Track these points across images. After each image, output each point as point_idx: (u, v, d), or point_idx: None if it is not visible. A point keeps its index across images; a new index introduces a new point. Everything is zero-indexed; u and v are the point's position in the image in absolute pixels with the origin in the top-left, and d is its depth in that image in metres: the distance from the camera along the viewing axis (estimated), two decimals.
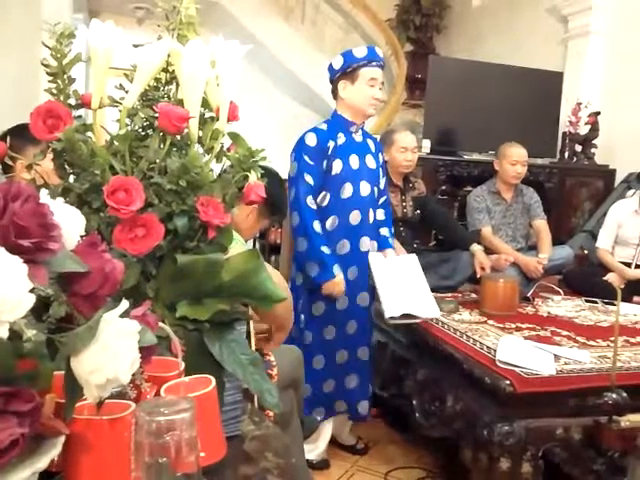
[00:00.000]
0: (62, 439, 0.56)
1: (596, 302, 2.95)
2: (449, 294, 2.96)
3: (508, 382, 1.79)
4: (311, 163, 2.28)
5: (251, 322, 1.27)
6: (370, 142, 2.47)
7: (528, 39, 4.84)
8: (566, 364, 1.98)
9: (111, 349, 0.53)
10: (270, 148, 0.95)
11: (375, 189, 2.42)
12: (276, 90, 5.83)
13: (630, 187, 3.87)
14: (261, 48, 5.11)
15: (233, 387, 0.90)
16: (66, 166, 0.81)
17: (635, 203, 3.32)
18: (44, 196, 0.58)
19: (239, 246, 1.05)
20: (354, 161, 2.34)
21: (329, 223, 2.32)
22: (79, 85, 0.86)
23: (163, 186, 0.79)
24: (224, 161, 0.88)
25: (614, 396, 1.74)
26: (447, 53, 5.97)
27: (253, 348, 1.22)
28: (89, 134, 0.83)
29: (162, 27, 0.88)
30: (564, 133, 4.24)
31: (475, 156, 4.12)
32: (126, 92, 0.85)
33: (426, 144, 3.95)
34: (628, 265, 3.23)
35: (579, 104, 4.15)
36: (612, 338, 1.95)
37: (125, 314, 0.56)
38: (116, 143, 0.81)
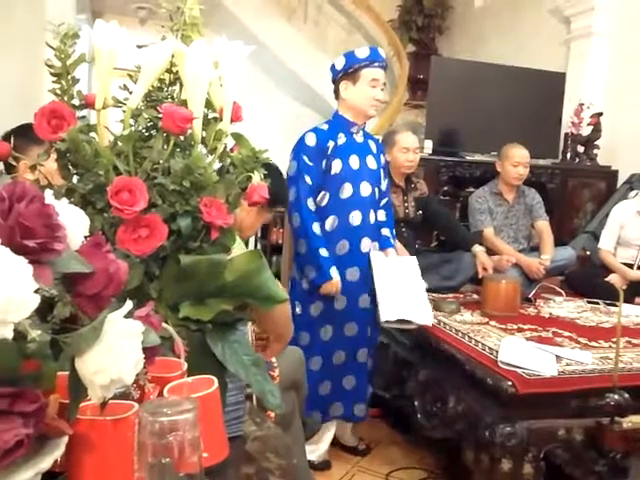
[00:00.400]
0: (65, 439, 0.56)
1: (598, 303, 2.95)
2: (451, 295, 2.96)
3: (510, 383, 1.79)
4: (310, 163, 2.29)
5: (249, 326, 1.27)
6: (371, 143, 2.46)
7: (530, 40, 4.84)
8: (568, 365, 1.97)
9: (115, 350, 0.53)
10: (272, 148, 0.95)
11: (376, 190, 2.41)
12: (278, 90, 5.83)
13: (632, 188, 3.86)
14: (263, 49, 5.11)
15: (235, 388, 0.91)
16: (70, 166, 0.81)
17: (637, 204, 3.32)
18: (49, 197, 0.58)
19: (238, 246, 1.06)
20: (354, 161, 2.34)
21: (329, 223, 2.32)
22: (82, 86, 0.87)
23: (167, 187, 0.79)
24: (217, 157, 0.88)
25: (616, 397, 1.74)
26: (449, 54, 5.96)
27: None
28: (93, 134, 0.83)
29: (166, 28, 0.88)
30: (566, 134, 4.24)
31: (477, 157, 4.11)
32: (130, 93, 0.85)
33: (428, 145, 3.95)
34: (630, 266, 3.23)
35: (581, 105, 4.14)
36: (614, 339, 1.95)
37: (129, 315, 0.56)
38: (120, 144, 0.81)
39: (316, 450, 2.43)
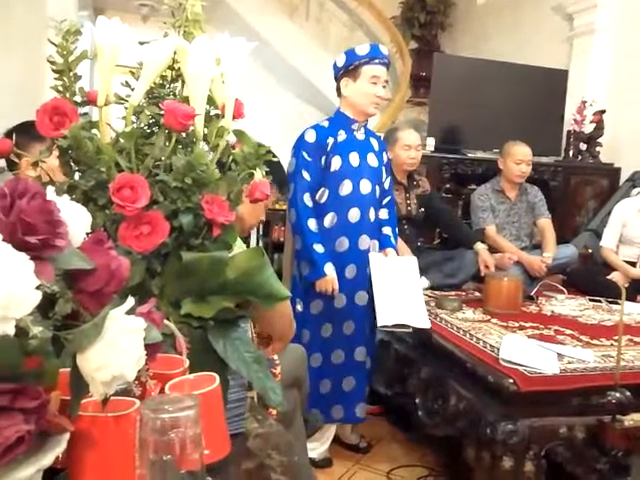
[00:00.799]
0: (67, 436, 0.56)
1: (600, 301, 2.95)
2: (453, 292, 2.96)
3: (511, 381, 1.79)
4: (309, 160, 2.29)
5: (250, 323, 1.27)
6: (373, 140, 2.46)
7: (533, 37, 4.83)
8: (570, 363, 1.97)
9: (117, 346, 0.53)
10: (274, 145, 0.95)
11: (377, 188, 2.41)
12: (280, 87, 5.82)
13: (635, 186, 3.86)
14: (265, 45, 5.11)
15: (237, 385, 0.91)
16: (72, 163, 0.81)
17: None
18: (51, 193, 0.58)
19: (238, 245, 1.05)
20: (354, 158, 2.34)
21: (328, 220, 2.32)
22: (84, 82, 0.86)
23: (168, 183, 0.79)
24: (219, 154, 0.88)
25: (618, 395, 1.73)
26: (452, 51, 5.95)
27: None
28: (95, 131, 0.83)
29: (168, 24, 0.88)
30: (569, 131, 4.23)
31: (479, 154, 4.11)
32: (132, 89, 0.85)
33: (430, 142, 3.95)
34: (632, 264, 3.23)
35: (584, 102, 4.13)
36: (616, 337, 1.95)
37: (131, 311, 0.56)
38: (122, 140, 0.81)
39: (317, 448, 2.44)
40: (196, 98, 0.84)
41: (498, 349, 2.01)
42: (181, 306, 0.82)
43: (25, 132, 1.27)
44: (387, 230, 2.48)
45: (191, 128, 0.83)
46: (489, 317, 2.54)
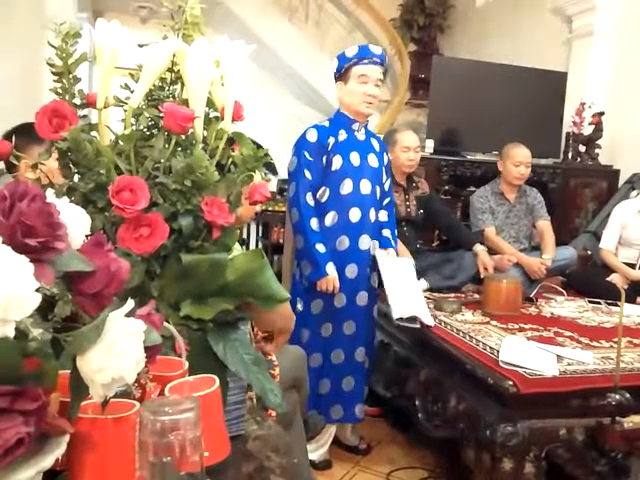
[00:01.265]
0: (67, 438, 0.56)
1: (599, 303, 2.95)
2: (452, 294, 2.96)
3: (511, 383, 1.79)
4: (310, 159, 2.29)
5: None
6: (374, 141, 2.46)
7: (532, 39, 4.83)
8: (569, 365, 1.97)
9: (117, 348, 0.53)
10: (273, 147, 0.95)
11: (377, 188, 2.41)
12: (279, 90, 5.83)
13: (634, 188, 3.86)
14: (264, 48, 5.11)
15: (237, 387, 0.90)
16: (71, 165, 0.81)
17: (639, 204, 3.31)
18: (50, 196, 0.58)
19: (235, 248, 1.05)
20: (355, 158, 2.34)
21: (329, 219, 2.32)
22: (83, 85, 0.87)
23: (168, 186, 0.79)
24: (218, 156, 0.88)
25: (617, 397, 1.73)
26: (451, 53, 5.96)
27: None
28: (94, 134, 0.83)
29: (167, 27, 0.88)
30: (568, 133, 4.23)
31: (479, 156, 4.11)
32: (131, 92, 0.85)
33: (429, 144, 3.95)
34: (632, 266, 3.23)
35: (583, 104, 4.14)
36: (615, 339, 1.95)
37: (130, 313, 0.56)
38: (121, 143, 0.81)
39: (317, 449, 2.44)
40: (195, 100, 0.84)
41: (498, 351, 2.01)
42: (180, 308, 0.82)
43: (24, 134, 1.27)
44: (387, 232, 2.48)
45: (190, 130, 0.83)
46: (488, 319, 2.54)
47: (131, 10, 5.43)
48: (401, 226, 2.85)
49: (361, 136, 2.40)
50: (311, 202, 2.29)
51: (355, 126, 2.38)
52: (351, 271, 2.34)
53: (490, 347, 2.10)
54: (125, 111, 0.84)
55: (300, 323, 2.32)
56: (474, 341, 2.18)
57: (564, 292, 3.13)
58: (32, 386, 0.49)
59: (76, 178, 0.82)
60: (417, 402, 2.22)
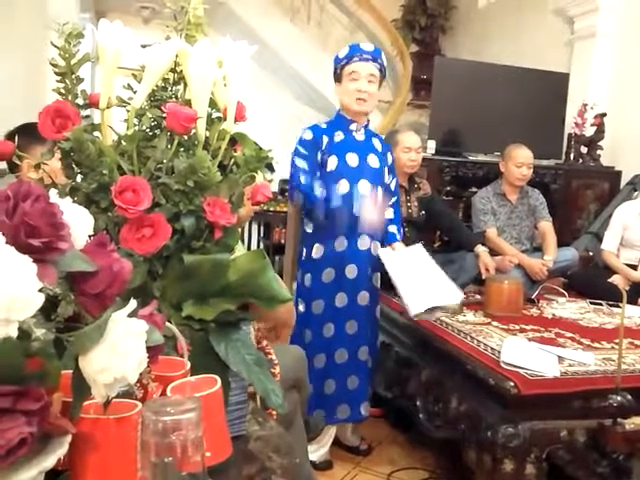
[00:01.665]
0: (69, 438, 0.56)
1: (601, 304, 2.94)
2: None
3: (512, 384, 1.79)
4: (305, 152, 2.31)
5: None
6: (376, 142, 2.46)
7: (534, 40, 4.83)
8: (570, 366, 1.97)
9: (119, 348, 0.53)
10: (274, 148, 0.95)
11: (378, 189, 2.40)
12: (280, 90, 5.83)
13: (636, 189, 3.86)
14: (266, 48, 5.11)
15: (238, 387, 0.90)
16: (74, 166, 0.81)
17: None
18: (53, 196, 0.58)
19: (238, 248, 1.06)
20: (352, 159, 2.34)
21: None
22: (85, 85, 0.87)
23: (170, 186, 0.79)
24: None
25: (619, 398, 1.73)
26: (452, 54, 5.96)
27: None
28: (97, 134, 0.83)
29: (170, 27, 0.89)
30: (570, 134, 4.23)
31: (480, 157, 4.11)
32: (134, 92, 0.85)
33: (431, 145, 3.95)
34: (633, 267, 3.22)
35: (585, 105, 4.13)
36: (617, 340, 1.95)
37: (132, 314, 0.56)
38: (124, 143, 0.81)
39: (318, 450, 2.43)
40: (198, 101, 0.84)
41: (499, 352, 2.01)
42: (182, 308, 0.82)
43: (27, 134, 1.27)
44: (393, 228, 2.48)
45: (193, 131, 0.83)
46: (490, 320, 2.54)
47: (133, 10, 5.44)
48: (402, 227, 2.85)
49: (360, 136, 2.40)
50: (308, 181, 2.28)
51: (353, 126, 2.38)
52: (351, 271, 2.34)
53: (491, 348, 2.09)
54: (128, 111, 0.84)
55: (302, 324, 2.32)
56: (475, 342, 2.18)
57: (565, 293, 3.12)
58: (35, 386, 0.49)
59: (79, 178, 0.82)
60: (418, 403, 2.22)
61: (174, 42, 0.84)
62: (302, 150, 2.31)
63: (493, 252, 3.15)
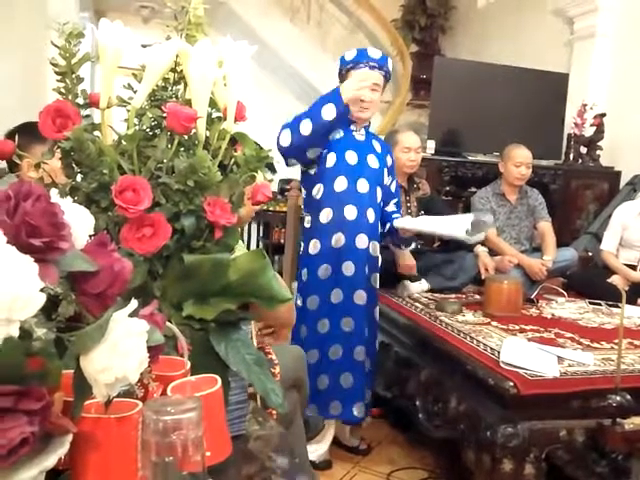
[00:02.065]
0: (70, 437, 0.56)
1: (600, 304, 2.95)
2: (453, 295, 2.96)
3: (512, 384, 1.79)
4: None
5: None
6: (376, 143, 2.46)
7: (533, 40, 4.83)
8: (570, 366, 1.97)
9: (120, 348, 0.53)
10: (273, 147, 0.96)
11: (377, 189, 2.40)
12: (280, 90, 5.83)
13: (635, 189, 3.86)
14: (266, 48, 5.12)
15: (238, 387, 0.91)
16: (74, 165, 0.81)
17: None
18: (54, 195, 0.58)
19: (239, 247, 1.06)
20: (351, 157, 2.34)
21: (324, 215, 2.32)
22: (85, 84, 0.87)
23: (171, 186, 0.79)
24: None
25: (618, 399, 1.73)
26: (452, 54, 5.96)
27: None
28: (97, 133, 0.83)
29: (170, 27, 0.89)
30: (569, 135, 4.24)
31: (480, 157, 4.11)
32: (134, 92, 0.85)
33: (431, 145, 3.95)
34: (633, 267, 3.23)
35: (584, 106, 4.14)
36: (616, 340, 1.95)
37: (133, 313, 0.56)
38: (124, 143, 0.81)
39: (317, 450, 2.43)
40: (198, 101, 0.84)
41: (498, 352, 2.01)
42: (183, 308, 0.82)
43: (27, 133, 1.27)
44: (396, 215, 2.49)
45: (193, 131, 0.83)
46: (489, 320, 2.54)
47: (133, 10, 5.44)
48: None
49: (360, 136, 2.40)
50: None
51: (353, 126, 2.38)
52: (348, 269, 2.33)
53: (491, 348, 2.10)
54: (128, 111, 0.84)
55: (299, 319, 2.32)
56: (475, 342, 2.18)
57: (565, 293, 3.13)
58: (36, 386, 0.49)
59: (79, 178, 0.82)
60: (417, 403, 2.22)
61: (174, 42, 0.84)
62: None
63: (492, 252, 3.15)
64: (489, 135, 4.04)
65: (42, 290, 0.48)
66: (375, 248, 2.40)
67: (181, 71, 0.87)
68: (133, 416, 0.62)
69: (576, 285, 3.26)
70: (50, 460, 0.52)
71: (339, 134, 2.35)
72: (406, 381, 2.36)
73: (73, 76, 0.83)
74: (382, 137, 2.77)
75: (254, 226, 5.25)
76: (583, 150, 4.22)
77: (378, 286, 2.44)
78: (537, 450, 1.77)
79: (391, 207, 2.49)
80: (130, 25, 0.85)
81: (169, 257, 0.81)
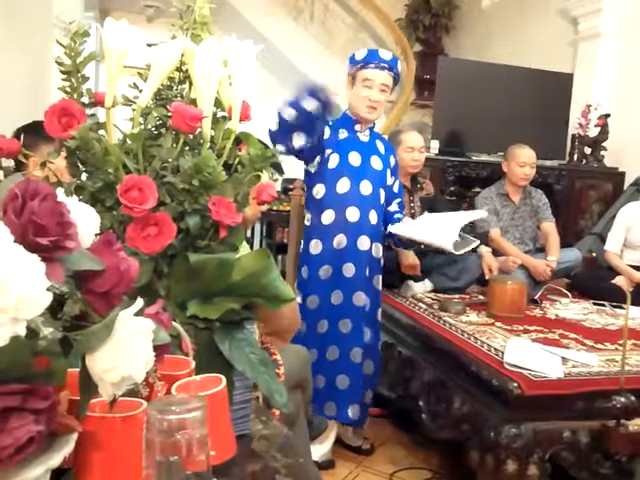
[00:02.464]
0: (75, 436, 0.56)
1: (604, 305, 2.94)
2: (457, 296, 2.96)
3: (515, 384, 1.78)
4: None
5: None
6: (380, 144, 2.45)
7: (538, 40, 4.82)
8: (574, 367, 1.97)
9: (126, 347, 0.53)
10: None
11: (381, 191, 2.40)
12: (284, 89, 5.82)
13: (639, 190, 3.85)
14: (269, 47, 5.11)
15: (242, 386, 0.90)
16: (79, 164, 0.81)
17: None
18: (60, 194, 0.58)
19: (242, 247, 1.06)
20: (354, 158, 2.33)
21: (326, 217, 2.32)
22: (90, 83, 0.87)
23: (176, 185, 0.79)
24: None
25: (622, 400, 1.73)
26: (456, 54, 5.95)
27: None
28: (102, 132, 0.83)
29: (176, 26, 0.89)
30: (573, 135, 4.22)
31: (484, 157, 4.11)
32: (140, 91, 0.85)
33: (435, 145, 3.94)
34: (637, 268, 3.22)
35: (589, 106, 4.13)
36: (620, 341, 1.94)
37: (139, 312, 0.56)
38: (129, 142, 0.81)
39: (320, 450, 2.43)
40: (204, 100, 0.84)
41: (502, 353, 2.01)
42: (187, 307, 0.82)
43: (33, 132, 1.28)
44: (398, 215, 2.49)
45: (198, 130, 0.83)
46: (493, 320, 2.54)
47: (137, 9, 5.44)
48: None
49: (364, 137, 2.40)
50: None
51: (358, 127, 2.38)
52: (348, 270, 2.33)
53: (495, 348, 2.09)
54: (133, 110, 0.84)
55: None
56: (479, 342, 2.18)
57: (569, 294, 3.12)
58: (42, 385, 0.49)
59: (84, 177, 0.82)
60: (421, 403, 2.22)
61: (180, 41, 0.84)
62: None
63: (496, 253, 3.14)
64: (493, 135, 4.04)
65: (48, 289, 0.48)
66: (378, 250, 2.39)
67: (186, 70, 0.87)
68: (138, 415, 0.62)
69: (580, 286, 3.26)
70: (55, 459, 0.52)
71: (343, 134, 2.34)
72: (409, 381, 2.36)
73: (78, 75, 0.84)
74: (386, 137, 2.76)
75: (257, 226, 5.26)
76: (587, 151, 4.21)
77: (381, 287, 2.44)
78: (541, 451, 1.76)
79: (394, 207, 2.48)
80: (135, 24, 0.85)
81: (174, 256, 0.81)
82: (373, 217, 2.36)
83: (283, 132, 2.11)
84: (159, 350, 0.57)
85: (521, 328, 2.44)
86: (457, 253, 2.26)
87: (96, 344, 0.52)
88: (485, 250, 3.04)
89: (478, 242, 2.29)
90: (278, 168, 0.89)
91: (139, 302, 0.56)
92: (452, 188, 3.90)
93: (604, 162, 4.19)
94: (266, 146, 0.90)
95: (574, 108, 4.24)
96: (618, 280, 3.19)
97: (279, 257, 4.58)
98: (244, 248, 1.29)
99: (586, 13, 4.37)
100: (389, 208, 2.48)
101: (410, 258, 2.76)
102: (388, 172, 2.45)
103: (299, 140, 2.16)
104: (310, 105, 1.99)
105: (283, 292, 0.86)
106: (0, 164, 0.83)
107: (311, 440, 2.09)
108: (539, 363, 1.91)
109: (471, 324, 2.46)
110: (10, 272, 0.44)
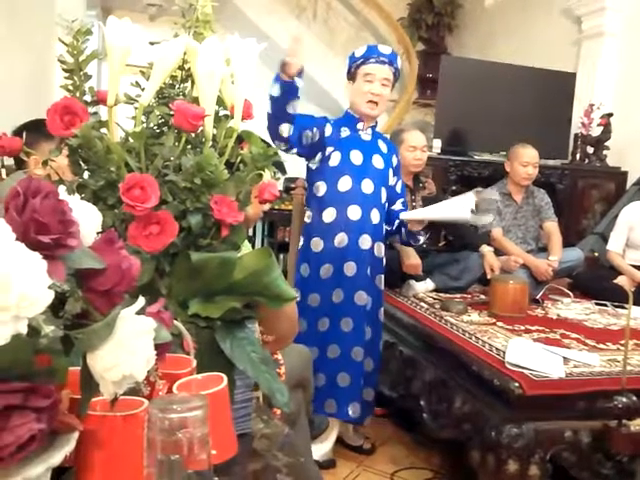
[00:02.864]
0: (76, 435, 0.56)
1: (606, 305, 2.94)
2: (458, 295, 2.95)
3: (517, 384, 1.78)
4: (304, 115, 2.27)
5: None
6: (382, 143, 2.45)
7: (541, 39, 4.81)
8: (575, 367, 1.97)
9: (127, 346, 0.53)
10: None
11: (382, 190, 2.40)
12: None
13: None
14: (272, 45, 5.09)
15: (244, 385, 0.90)
16: (81, 162, 0.81)
17: None
18: (62, 192, 0.58)
19: (244, 246, 1.05)
20: (356, 157, 2.33)
21: (328, 215, 2.32)
22: (92, 82, 0.87)
23: (178, 184, 0.79)
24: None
25: (624, 400, 1.73)
26: (459, 53, 5.94)
27: None
28: (104, 131, 0.83)
29: (178, 25, 0.88)
30: (576, 134, 4.22)
31: (486, 156, 4.10)
32: (142, 89, 0.85)
33: (437, 144, 3.94)
34: (639, 268, 3.21)
35: (591, 105, 4.12)
36: (622, 341, 1.94)
37: (141, 311, 0.56)
38: (131, 140, 0.81)
39: (321, 449, 2.43)
40: (206, 99, 0.84)
41: (504, 352, 2.01)
42: (189, 306, 0.82)
43: (34, 130, 1.28)
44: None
45: (200, 129, 0.83)
46: (495, 320, 2.54)
47: (140, 7, 5.44)
48: None
49: (366, 136, 2.39)
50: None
51: (360, 125, 2.37)
52: (349, 269, 2.32)
53: (496, 348, 2.09)
54: (136, 109, 0.84)
55: (298, 313, 2.30)
56: (480, 342, 2.18)
57: (570, 294, 3.11)
58: (44, 383, 0.49)
59: (86, 175, 0.82)
60: (422, 402, 2.21)
61: (182, 39, 0.84)
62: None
63: (498, 252, 3.14)
64: (496, 134, 4.03)
65: (50, 287, 0.48)
66: (379, 249, 2.39)
67: (189, 69, 0.87)
68: (139, 414, 0.62)
69: (582, 286, 3.25)
70: (56, 457, 0.52)
71: (345, 132, 2.34)
72: (411, 381, 2.36)
73: (81, 73, 0.84)
74: (388, 136, 2.76)
75: (259, 225, 5.26)
76: (590, 150, 4.20)
77: (383, 287, 2.43)
78: (542, 451, 1.76)
79: (398, 206, 2.48)
80: (137, 22, 0.85)
81: (176, 255, 0.81)
82: (375, 216, 2.36)
83: (278, 107, 2.19)
84: (160, 349, 0.57)
85: (522, 328, 2.44)
86: (480, 220, 2.24)
87: (97, 342, 0.52)
88: (487, 249, 3.04)
89: (492, 217, 2.25)
90: (280, 167, 0.89)
91: (141, 301, 0.56)
92: (454, 187, 3.89)
93: (607, 161, 4.19)
94: (268, 145, 0.90)
95: (577, 107, 4.23)
96: (620, 280, 3.18)
97: (281, 256, 4.58)
98: (246, 247, 1.29)
99: (589, 12, 4.36)
100: (393, 207, 2.47)
101: (412, 257, 2.76)
102: (390, 172, 2.45)
103: (286, 128, 2.18)
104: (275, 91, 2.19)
105: (285, 291, 0.86)
106: (2, 162, 0.83)
107: (312, 439, 2.09)
108: (540, 363, 1.91)
109: (472, 324, 2.46)
110: (12, 270, 0.44)
